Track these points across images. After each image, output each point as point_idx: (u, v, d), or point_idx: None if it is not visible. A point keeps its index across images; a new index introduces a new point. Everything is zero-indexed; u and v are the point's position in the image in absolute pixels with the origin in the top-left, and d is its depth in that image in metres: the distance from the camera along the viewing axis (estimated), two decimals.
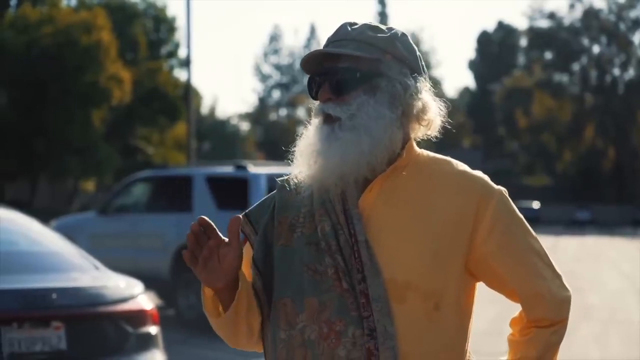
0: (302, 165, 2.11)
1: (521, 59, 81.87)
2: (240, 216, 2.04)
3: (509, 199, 2.12)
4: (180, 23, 50.92)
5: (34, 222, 6.36)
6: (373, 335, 1.97)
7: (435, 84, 2.17)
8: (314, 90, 2.13)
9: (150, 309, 5.67)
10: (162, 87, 39.34)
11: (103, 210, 13.20)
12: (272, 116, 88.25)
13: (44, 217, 12.63)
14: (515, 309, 2.19)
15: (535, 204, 60.20)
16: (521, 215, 2.13)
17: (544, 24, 74.32)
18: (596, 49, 73.51)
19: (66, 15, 33.63)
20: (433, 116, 2.11)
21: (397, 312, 1.99)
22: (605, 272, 21.61)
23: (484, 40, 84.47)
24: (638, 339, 11.10)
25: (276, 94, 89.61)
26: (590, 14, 71.55)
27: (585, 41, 73.24)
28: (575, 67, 73.23)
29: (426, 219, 2.04)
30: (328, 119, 2.08)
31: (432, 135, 2.15)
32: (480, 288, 2.17)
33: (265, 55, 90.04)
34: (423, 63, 2.16)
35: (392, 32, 2.13)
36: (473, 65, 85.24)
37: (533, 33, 74.48)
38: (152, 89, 38.97)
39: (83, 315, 5.32)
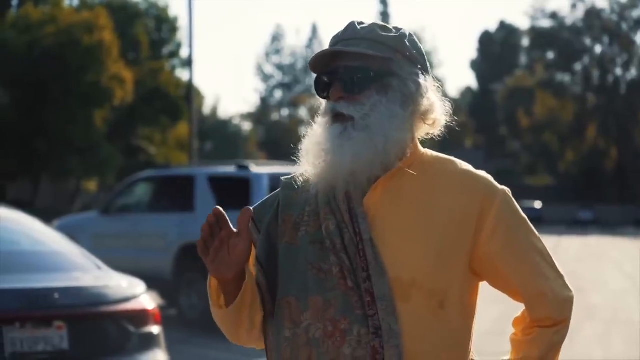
0: (309, 163, 2.11)
1: (523, 59, 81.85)
2: (250, 209, 2.03)
3: (513, 198, 2.13)
4: (182, 23, 51.11)
5: (36, 222, 6.36)
6: (378, 333, 1.98)
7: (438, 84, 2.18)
8: (322, 89, 2.13)
9: (152, 309, 5.67)
10: (164, 87, 39.33)
11: (105, 210, 13.20)
12: (274, 116, 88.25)
13: (46, 217, 12.63)
14: (518, 309, 2.19)
15: (538, 204, 60.18)
16: (524, 215, 2.14)
17: (546, 23, 74.32)
18: (598, 48, 73.50)
19: (68, 15, 33.64)
20: (438, 116, 2.12)
21: (402, 311, 2.00)
22: (608, 272, 21.59)
23: (485, 40, 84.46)
24: None
25: (278, 94, 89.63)
26: (593, 13, 71.51)
27: (588, 41, 73.21)
28: (578, 67, 73.20)
29: (431, 218, 2.05)
30: (339, 118, 2.07)
31: (435, 135, 2.16)
32: (483, 288, 2.17)
33: (267, 55, 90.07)
34: (428, 62, 2.17)
35: (401, 31, 2.14)
36: (475, 65, 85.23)
37: (535, 33, 74.45)
38: (154, 88, 38.97)
39: (85, 315, 5.32)
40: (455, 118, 2.17)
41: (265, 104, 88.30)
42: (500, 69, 79.75)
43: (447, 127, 2.17)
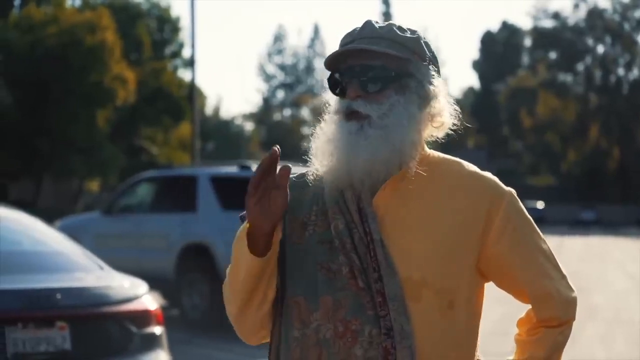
0: (320, 162, 2.10)
1: (525, 59, 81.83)
2: (289, 165, 2.01)
3: (518, 200, 2.14)
4: (184, 23, 51.14)
5: (38, 222, 6.36)
6: (390, 334, 1.98)
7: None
8: (338, 87, 2.11)
9: (154, 309, 5.66)
10: (166, 87, 39.35)
11: (107, 210, 13.21)
12: (276, 116, 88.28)
13: (48, 217, 12.64)
14: (520, 309, 2.19)
15: (540, 204, 60.18)
16: (529, 216, 2.15)
17: (548, 23, 74.33)
18: (600, 48, 73.52)
19: (70, 16, 33.66)
20: (446, 119, 2.13)
21: (413, 311, 2.00)
22: (610, 272, 21.58)
23: (488, 40, 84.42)
24: None
25: (280, 94, 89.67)
26: (595, 13, 71.51)
27: (590, 41, 73.21)
28: (580, 67, 73.21)
29: (439, 219, 2.06)
30: (354, 116, 2.06)
31: (439, 137, 2.17)
32: (486, 288, 2.18)
33: (269, 55, 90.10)
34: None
35: (417, 33, 2.14)
36: (477, 65, 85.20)
37: (537, 33, 74.46)
38: (157, 89, 38.99)
39: (87, 315, 5.31)
40: (462, 123, 2.17)
41: (267, 104, 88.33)
42: (502, 69, 79.73)
43: (450, 128, 2.17)
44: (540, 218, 54.33)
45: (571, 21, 73.19)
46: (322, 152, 2.09)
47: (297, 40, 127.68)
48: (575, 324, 2.19)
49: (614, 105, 69.91)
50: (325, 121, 2.13)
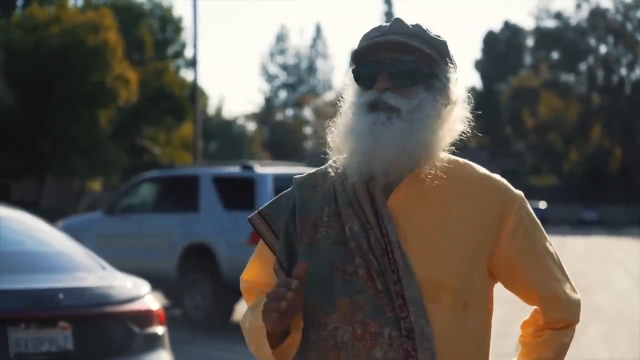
0: (341, 152, 2.08)
1: (527, 59, 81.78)
2: (306, 262, 1.99)
3: (527, 202, 2.16)
4: (187, 23, 51.15)
5: (40, 222, 6.36)
6: (410, 336, 1.98)
7: None
8: (366, 78, 2.09)
9: (156, 309, 5.67)
10: (169, 87, 39.38)
11: (110, 210, 13.21)
12: (279, 116, 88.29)
13: (51, 217, 12.66)
14: (521, 310, 2.20)
15: (542, 204, 60.16)
16: (537, 219, 2.18)
17: (550, 23, 74.30)
18: (603, 48, 73.46)
19: (73, 16, 33.70)
20: (458, 125, 2.13)
21: (431, 312, 2.00)
22: (613, 272, 21.56)
23: (490, 40, 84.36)
24: None
25: (282, 94, 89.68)
26: (597, 13, 71.46)
27: (592, 41, 73.16)
28: (582, 67, 73.16)
29: (453, 220, 2.06)
30: (380, 108, 2.04)
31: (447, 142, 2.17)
32: None
33: (272, 55, 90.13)
34: None
35: (442, 37, 2.15)
36: (479, 65, 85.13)
37: (539, 33, 74.42)
38: (159, 89, 39.02)
39: (90, 316, 5.31)
40: (472, 131, 2.17)
41: (269, 104, 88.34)
42: (504, 69, 79.69)
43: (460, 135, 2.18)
44: (543, 218, 54.25)
45: (573, 21, 73.15)
46: (342, 144, 2.07)
47: (299, 40, 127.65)
48: (578, 323, 2.21)
49: (616, 105, 69.86)
50: (343, 114, 2.11)
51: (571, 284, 2.17)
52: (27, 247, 6.06)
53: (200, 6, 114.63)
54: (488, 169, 2.20)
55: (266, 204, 2.23)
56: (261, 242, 2.19)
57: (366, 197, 2.06)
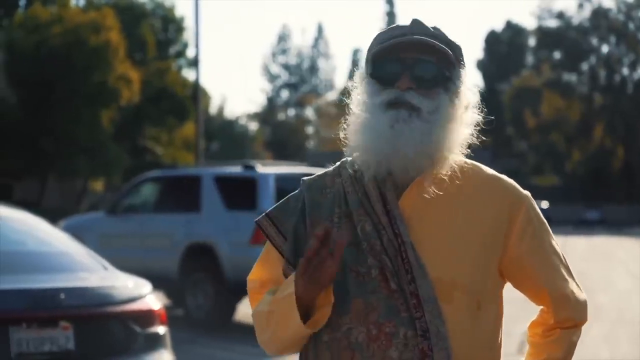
0: (358, 148, 2.07)
1: (530, 59, 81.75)
2: (347, 233, 1.99)
3: (535, 203, 2.19)
4: (189, 23, 51.09)
5: (42, 222, 6.36)
6: (426, 336, 1.98)
7: None
8: (390, 76, 2.07)
9: (158, 309, 5.67)
10: (171, 87, 39.35)
11: (112, 210, 13.21)
12: (281, 116, 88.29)
13: (53, 217, 12.66)
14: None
15: (544, 204, 60.05)
16: (545, 219, 2.20)
17: (552, 23, 74.21)
18: (605, 48, 73.38)
19: (75, 16, 33.68)
20: (469, 130, 2.14)
21: (445, 312, 2.00)
22: (614, 272, 21.55)
23: (492, 39, 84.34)
24: None
25: (284, 94, 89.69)
26: (599, 13, 71.40)
27: (594, 41, 73.10)
28: (584, 66, 73.08)
29: (464, 220, 2.07)
30: (399, 107, 2.04)
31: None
32: None
33: (274, 55, 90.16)
34: None
35: (457, 42, 2.15)
36: (481, 65, 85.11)
37: (541, 33, 74.36)
38: (161, 89, 38.99)
39: (91, 315, 5.32)
40: (479, 137, 2.17)
41: (271, 104, 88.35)
42: (506, 69, 79.66)
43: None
44: (545, 218, 54.01)
45: (575, 21, 73.08)
46: (357, 142, 2.07)
47: (301, 40, 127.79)
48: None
49: (618, 104, 69.79)
50: (357, 112, 2.10)
51: (577, 284, 2.19)
52: (29, 247, 6.06)
53: (202, 6, 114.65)
54: (490, 168, 2.21)
55: (273, 207, 2.22)
56: (268, 244, 2.18)
57: (377, 197, 2.06)
